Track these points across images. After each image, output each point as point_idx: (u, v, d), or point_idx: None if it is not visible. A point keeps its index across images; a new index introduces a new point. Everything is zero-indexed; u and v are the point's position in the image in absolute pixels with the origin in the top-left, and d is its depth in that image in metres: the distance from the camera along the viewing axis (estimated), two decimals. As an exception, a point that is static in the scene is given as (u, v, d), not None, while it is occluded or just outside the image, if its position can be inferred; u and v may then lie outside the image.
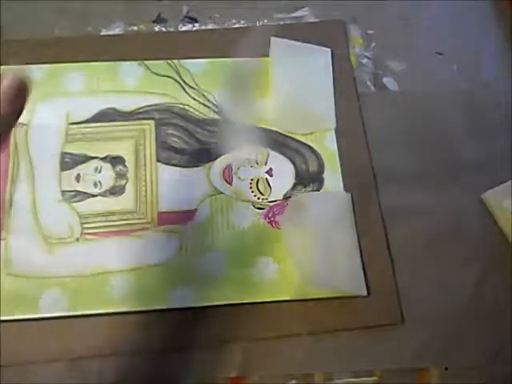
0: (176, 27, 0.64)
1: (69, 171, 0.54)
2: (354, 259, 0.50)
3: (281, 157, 0.56)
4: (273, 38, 0.60)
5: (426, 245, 0.53)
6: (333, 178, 0.55)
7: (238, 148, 0.56)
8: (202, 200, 0.53)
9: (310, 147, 0.56)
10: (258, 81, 0.59)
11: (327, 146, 0.57)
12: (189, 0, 0.65)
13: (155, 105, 0.57)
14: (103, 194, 0.53)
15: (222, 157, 0.55)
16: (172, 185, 0.54)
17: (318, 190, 0.54)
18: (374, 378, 0.48)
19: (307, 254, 0.49)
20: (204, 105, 0.58)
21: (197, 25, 0.64)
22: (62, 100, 0.57)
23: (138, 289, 0.49)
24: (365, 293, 0.49)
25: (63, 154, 0.55)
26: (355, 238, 0.52)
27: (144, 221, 0.52)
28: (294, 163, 0.56)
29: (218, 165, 0.55)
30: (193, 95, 0.58)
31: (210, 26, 0.64)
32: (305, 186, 0.55)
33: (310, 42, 0.61)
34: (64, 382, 0.46)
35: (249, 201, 0.53)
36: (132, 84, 0.58)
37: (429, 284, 0.51)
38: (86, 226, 0.51)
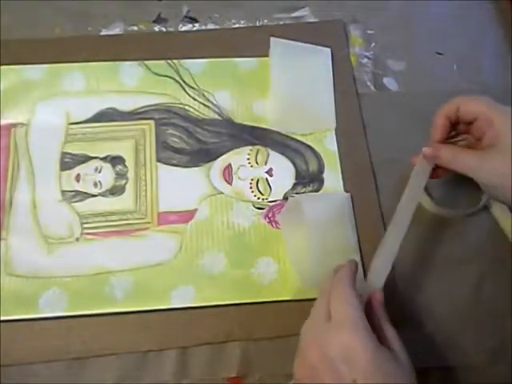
0: (176, 27, 0.64)
1: (69, 171, 0.54)
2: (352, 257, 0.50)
3: (281, 157, 0.56)
4: (272, 38, 0.60)
5: (426, 245, 0.53)
6: (333, 178, 0.55)
7: (237, 148, 0.56)
8: (202, 200, 0.53)
9: (310, 147, 0.56)
10: (258, 81, 0.59)
11: (327, 146, 0.57)
12: (189, 0, 0.65)
13: (155, 105, 0.57)
14: (103, 194, 0.53)
15: (222, 157, 0.55)
16: (172, 185, 0.54)
17: (318, 190, 0.54)
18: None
19: (306, 254, 0.49)
20: (204, 105, 0.58)
21: (197, 25, 0.64)
22: (62, 100, 0.57)
23: (138, 289, 0.49)
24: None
25: (63, 154, 0.55)
26: (355, 238, 0.52)
27: (144, 221, 0.52)
28: (294, 163, 0.56)
29: (218, 165, 0.55)
30: (193, 95, 0.58)
31: (210, 26, 0.64)
32: (305, 186, 0.55)
33: (309, 42, 0.61)
34: (64, 382, 0.46)
35: (249, 201, 0.53)
36: (132, 84, 0.58)
37: (429, 284, 0.51)
38: (85, 226, 0.51)
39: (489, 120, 0.43)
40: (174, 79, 0.59)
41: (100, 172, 0.54)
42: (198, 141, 0.56)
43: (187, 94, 0.58)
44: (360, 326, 0.36)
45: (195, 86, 0.59)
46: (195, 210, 0.53)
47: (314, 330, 0.39)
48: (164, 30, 0.63)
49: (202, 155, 0.55)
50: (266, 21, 0.64)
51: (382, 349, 0.36)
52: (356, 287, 0.39)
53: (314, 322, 0.39)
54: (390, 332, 0.39)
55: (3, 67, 0.58)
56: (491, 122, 0.43)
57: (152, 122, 0.57)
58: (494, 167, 0.42)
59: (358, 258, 0.50)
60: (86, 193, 0.53)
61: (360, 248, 0.51)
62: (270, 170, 0.55)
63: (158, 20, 0.64)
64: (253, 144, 0.56)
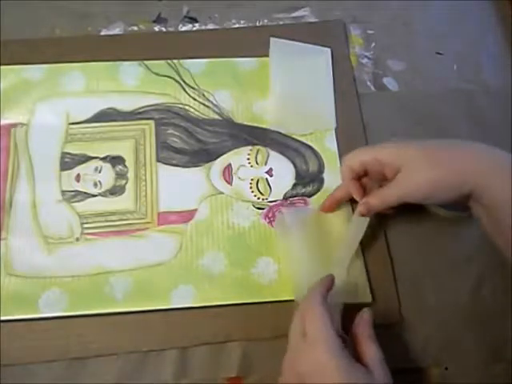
0: (176, 27, 0.64)
1: (69, 171, 0.54)
2: (357, 267, 0.50)
3: (281, 157, 0.56)
4: (272, 39, 0.60)
5: (426, 245, 0.53)
6: (333, 178, 0.55)
7: (237, 148, 0.56)
8: (202, 200, 0.53)
9: (310, 147, 0.56)
10: (258, 81, 0.59)
11: (327, 146, 0.57)
12: (189, 0, 0.65)
13: (155, 105, 0.57)
14: (103, 194, 0.53)
15: (222, 157, 0.55)
16: (172, 185, 0.54)
17: (318, 190, 0.54)
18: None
19: (298, 266, 0.49)
20: (204, 105, 0.58)
21: (197, 25, 0.64)
22: (62, 100, 0.57)
23: (138, 289, 0.49)
24: (369, 299, 0.49)
25: (63, 154, 0.55)
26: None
27: (144, 221, 0.52)
28: (293, 163, 0.56)
29: (218, 165, 0.55)
30: (193, 95, 0.58)
31: (210, 26, 0.64)
32: (305, 186, 0.54)
33: (309, 42, 0.61)
34: (64, 382, 0.46)
35: (249, 201, 0.53)
36: (132, 84, 0.58)
37: (429, 284, 0.51)
38: (86, 226, 0.51)
39: (378, 161, 0.45)
40: (174, 79, 0.59)
41: (100, 172, 0.54)
42: (198, 141, 0.56)
43: (187, 94, 0.58)
44: (331, 343, 0.38)
45: (195, 86, 0.59)
46: (195, 210, 0.53)
47: (292, 345, 0.41)
48: (164, 30, 0.63)
49: (201, 155, 0.55)
50: (266, 21, 0.64)
51: (354, 365, 0.38)
52: (327, 303, 0.41)
53: (293, 337, 0.41)
54: (370, 350, 0.40)
55: (3, 67, 0.58)
56: (380, 161, 0.45)
57: (152, 122, 0.57)
58: (415, 187, 0.44)
59: (361, 265, 0.50)
60: (86, 193, 0.53)
61: (361, 249, 0.51)
62: (270, 170, 0.55)
63: (158, 20, 0.64)
64: (253, 144, 0.56)
